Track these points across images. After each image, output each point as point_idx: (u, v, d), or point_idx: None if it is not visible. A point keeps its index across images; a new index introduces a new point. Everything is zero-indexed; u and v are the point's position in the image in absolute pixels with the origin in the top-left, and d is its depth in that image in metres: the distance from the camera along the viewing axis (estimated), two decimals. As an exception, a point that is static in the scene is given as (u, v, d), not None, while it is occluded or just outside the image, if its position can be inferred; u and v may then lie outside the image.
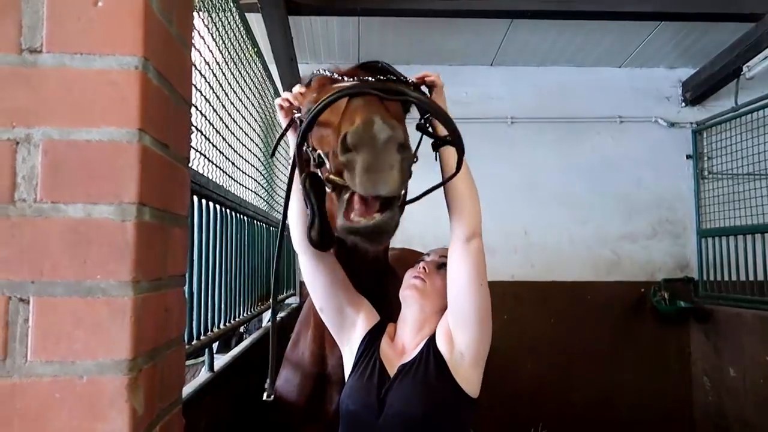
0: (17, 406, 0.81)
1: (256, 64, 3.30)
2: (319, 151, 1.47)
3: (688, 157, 5.38)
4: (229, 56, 2.58)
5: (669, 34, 4.82)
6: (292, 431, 2.05)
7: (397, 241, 2.00)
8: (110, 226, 0.84)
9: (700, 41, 4.94)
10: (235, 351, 2.60)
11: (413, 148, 1.43)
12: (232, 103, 2.63)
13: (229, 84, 2.60)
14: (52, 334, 0.83)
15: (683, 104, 5.45)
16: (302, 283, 2.46)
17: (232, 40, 2.63)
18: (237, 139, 2.75)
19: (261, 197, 3.38)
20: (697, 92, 5.28)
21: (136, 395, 0.85)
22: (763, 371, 4.18)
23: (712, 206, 5.16)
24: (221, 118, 2.41)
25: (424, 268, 1.80)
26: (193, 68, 1.64)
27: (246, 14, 3.11)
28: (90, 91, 0.83)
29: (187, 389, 1.86)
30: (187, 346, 1.83)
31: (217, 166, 2.27)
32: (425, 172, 1.61)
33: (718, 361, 4.78)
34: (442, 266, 1.76)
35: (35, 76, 0.82)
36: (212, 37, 2.30)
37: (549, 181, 5.31)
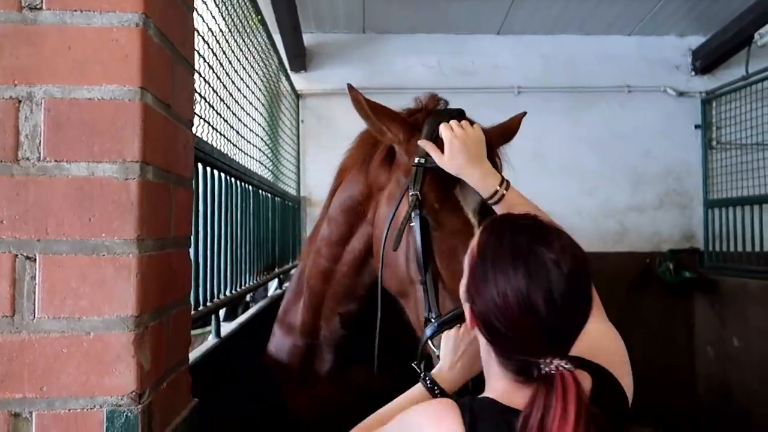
0: (26, 361, 0.83)
1: (259, 32, 3.26)
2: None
3: (696, 127, 5.32)
4: (232, 24, 2.55)
5: (679, 1, 4.72)
6: (286, 394, 2.09)
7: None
8: (114, 185, 0.84)
9: (711, 8, 4.84)
10: (242, 318, 2.63)
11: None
12: (236, 71, 2.62)
13: (233, 52, 2.57)
14: (59, 292, 0.84)
15: (693, 73, 5.36)
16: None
17: (235, 7, 2.60)
18: (241, 107, 2.73)
19: (266, 167, 3.37)
20: (707, 61, 5.19)
21: (142, 351, 0.86)
22: (767, 341, 4.20)
23: (720, 177, 5.11)
24: (225, 86, 2.40)
25: None
26: (197, 35, 1.63)
27: (249, -19, 3.06)
28: (91, 49, 0.83)
29: (195, 354, 1.88)
30: (193, 312, 1.85)
31: (221, 134, 2.26)
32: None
33: (723, 331, 4.79)
34: None
35: (36, 33, 0.82)
36: (215, 3, 2.27)
37: (556, 152, 5.26)
